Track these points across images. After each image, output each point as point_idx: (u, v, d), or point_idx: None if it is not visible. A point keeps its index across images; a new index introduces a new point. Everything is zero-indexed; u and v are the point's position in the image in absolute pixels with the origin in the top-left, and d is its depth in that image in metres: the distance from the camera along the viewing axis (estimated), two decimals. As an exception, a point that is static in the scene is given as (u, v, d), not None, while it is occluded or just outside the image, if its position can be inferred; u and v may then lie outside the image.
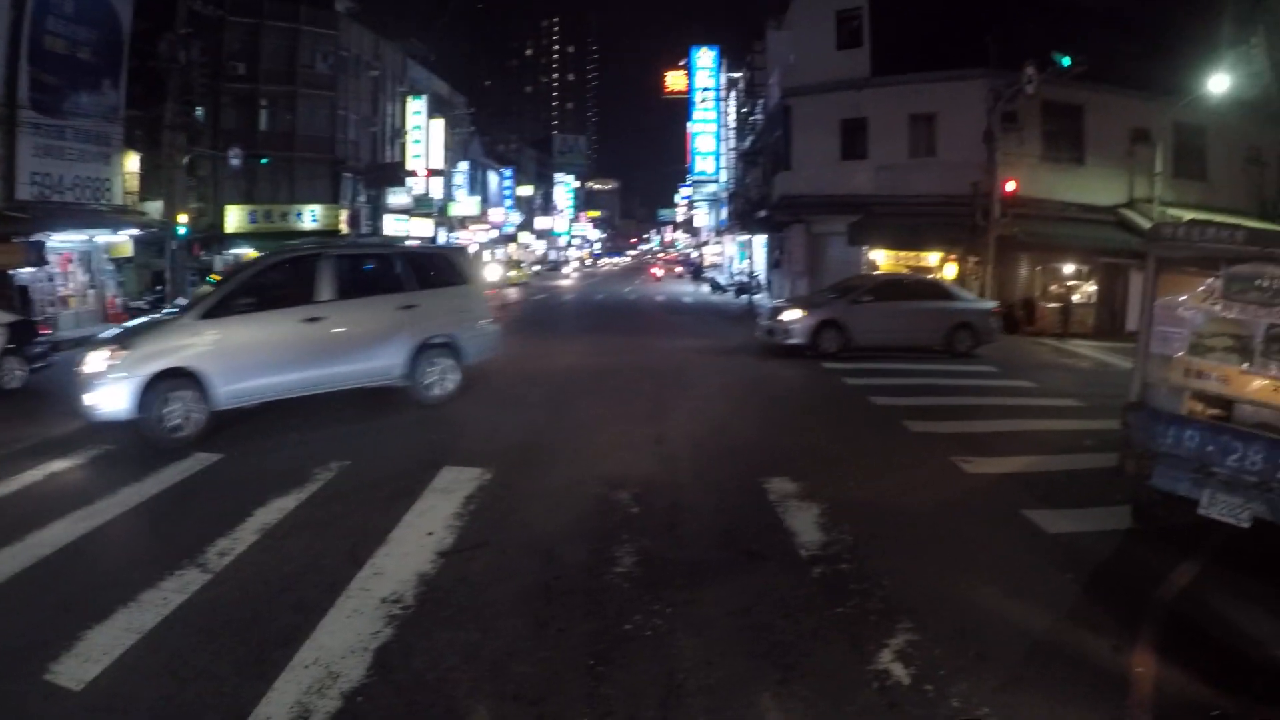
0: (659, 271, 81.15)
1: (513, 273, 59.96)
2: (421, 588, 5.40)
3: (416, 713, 4.02)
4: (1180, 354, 6.29)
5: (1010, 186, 24.07)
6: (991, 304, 19.95)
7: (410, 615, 5.00)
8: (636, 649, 4.59)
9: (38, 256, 23.91)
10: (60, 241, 26.82)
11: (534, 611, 5.06)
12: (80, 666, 4.48)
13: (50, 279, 26.99)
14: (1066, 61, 22.60)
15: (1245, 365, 5.88)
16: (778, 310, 18.63)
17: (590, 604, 5.17)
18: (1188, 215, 21.68)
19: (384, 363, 11.06)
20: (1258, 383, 5.95)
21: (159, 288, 31.01)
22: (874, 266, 27.58)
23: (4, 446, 9.94)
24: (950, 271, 26.25)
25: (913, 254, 27.18)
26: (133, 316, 26.57)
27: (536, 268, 66.80)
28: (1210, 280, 6.07)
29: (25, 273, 24.38)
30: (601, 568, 5.74)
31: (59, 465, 8.87)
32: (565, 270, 77.09)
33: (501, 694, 4.17)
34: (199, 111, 32.85)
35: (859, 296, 17.91)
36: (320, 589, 5.39)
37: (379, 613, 5.03)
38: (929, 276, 25.10)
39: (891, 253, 27.47)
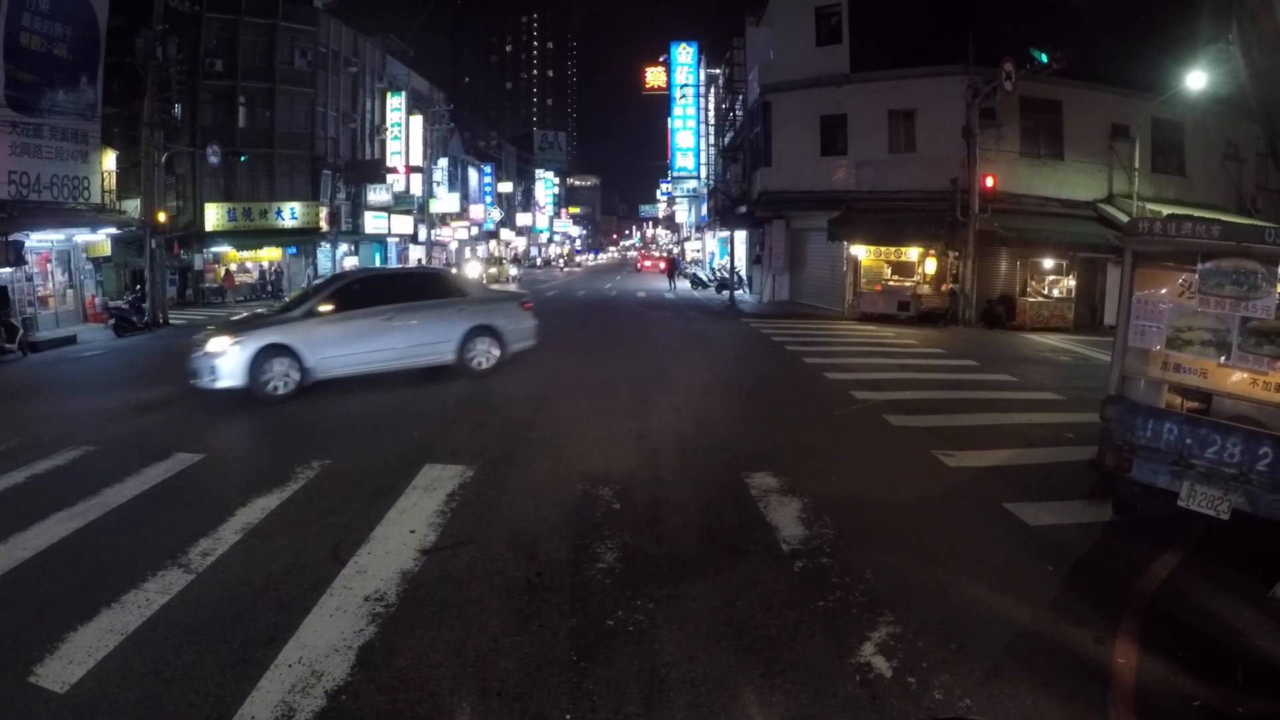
0: (649, 263, 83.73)
1: (493, 269, 59.68)
2: (404, 585, 5.40)
3: (400, 710, 4.02)
4: (1158, 348, 6.34)
5: (989, 182, 24.26)
6: (521, 296, 16.20)
7: (393, 613, 5.00)
8: (619, 644, 4.60)
9: (16, 256, 23.72)
10: (38, 241, 26.63)
11: (517, 608, 5.06)
12: (64, 668, 4.47)
13: (29, 279, 26.80)
14: (1044, 58, 22.78)
15: (1222, 359, 5.93)
16: (207, 338, 12.64)
17: (573, 600, 5.18)
18: (1166, 210, 21.92)
19: None
20: (1235, 376, 6.02)
21: (139, 287, 30.90)
22: (855, 262, 27.68)
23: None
24: (930, 266, 26.40)
25: (893, 249, 27.29)
26: (112, 316, 26.57)
27: (514, 270, 62.23)
28: (1187, 275, 6.12)
29: (4, 272, 24.21)
30: (584, 564, 5.75)
31: (40, 466, 8.81)
32: (514, 273, 65.47)
33: (485, 690, 4.18)
34: (177, 109, 32.61)
35: (316, 306, 12.95)
36: (303, 588, 5.39)
37: (362, 611, 5.03)
38: (430, 267, 23.18)
39: (872, 248, 27.58)
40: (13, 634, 4.92)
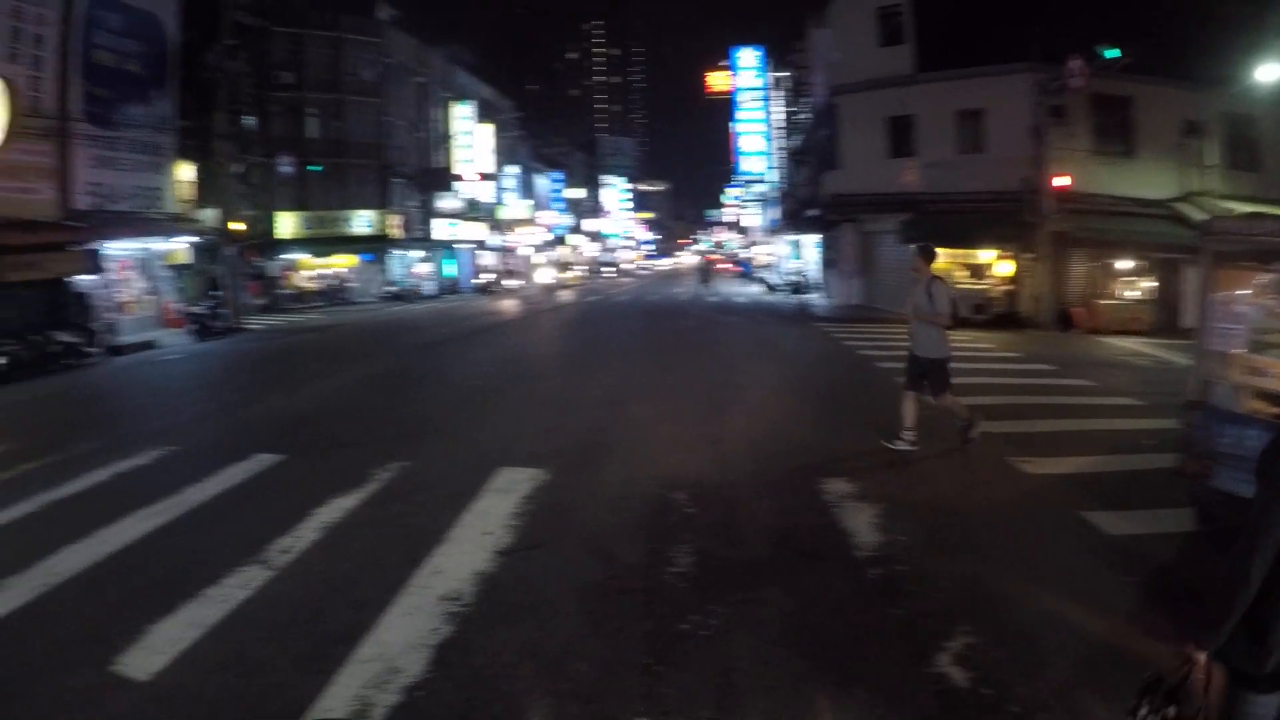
0: (723, 267, 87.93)
1: (565, 274, 60.25)
2: (480, 586, 5.47)
3: (475, 708, 4.07)
4: (1239, 351, 6.17)
5: (1061, 181, 23.72)
6: None
7: (469, 613, 5.07)
8: (693, 648, 4.59)
9: (95, 264, 24.55)
10: (118, 249, 27.50)
11: (591, 610, 5.09)
12: (145, 659, 4.64)
13: (108, 286, 27.70)
14: (1112, 53, 22.17)
15: (1308, 361, 5.75)
16: None
17: (647, 603, 5.18)
18: (1243, 208, 21.23)
19: None
20: (1322, 380, 5.83)
21: (215, 293, 31.76)
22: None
23: (72, 447, 10.28)
24: (1004, 269, 25.87)
25: (965, 251, 26.82)
26: (191, 321, 27.40)
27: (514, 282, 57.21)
28: (1269, 275, 5.95)
29: (85, 280, 25.06)
30: (658, 567, 5.75)
31: (125, 466, 9.12)
32: (544, 279, 59.05)
33: (559, 691, 4.20)
34: (248, 120, 33.46)
35: None
36: (380, 587, 5.49)
37: (438, 610, 5.10)
38: None
39: (944, 250, 27.10)
40: (97, 625, 5.13)
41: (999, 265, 26.10)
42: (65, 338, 21.24)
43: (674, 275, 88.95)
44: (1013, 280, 25.61)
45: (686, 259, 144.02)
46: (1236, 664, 2.53)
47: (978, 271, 26.78)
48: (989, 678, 4.26)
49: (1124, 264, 24.83)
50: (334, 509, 7.16)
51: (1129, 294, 24.59)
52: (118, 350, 23.23)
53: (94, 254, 24.40)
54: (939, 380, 9.10)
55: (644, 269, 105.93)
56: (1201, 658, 2.56)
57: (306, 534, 6.54)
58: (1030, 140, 24.24)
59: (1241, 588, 2.44)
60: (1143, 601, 5.28)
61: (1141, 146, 25.91)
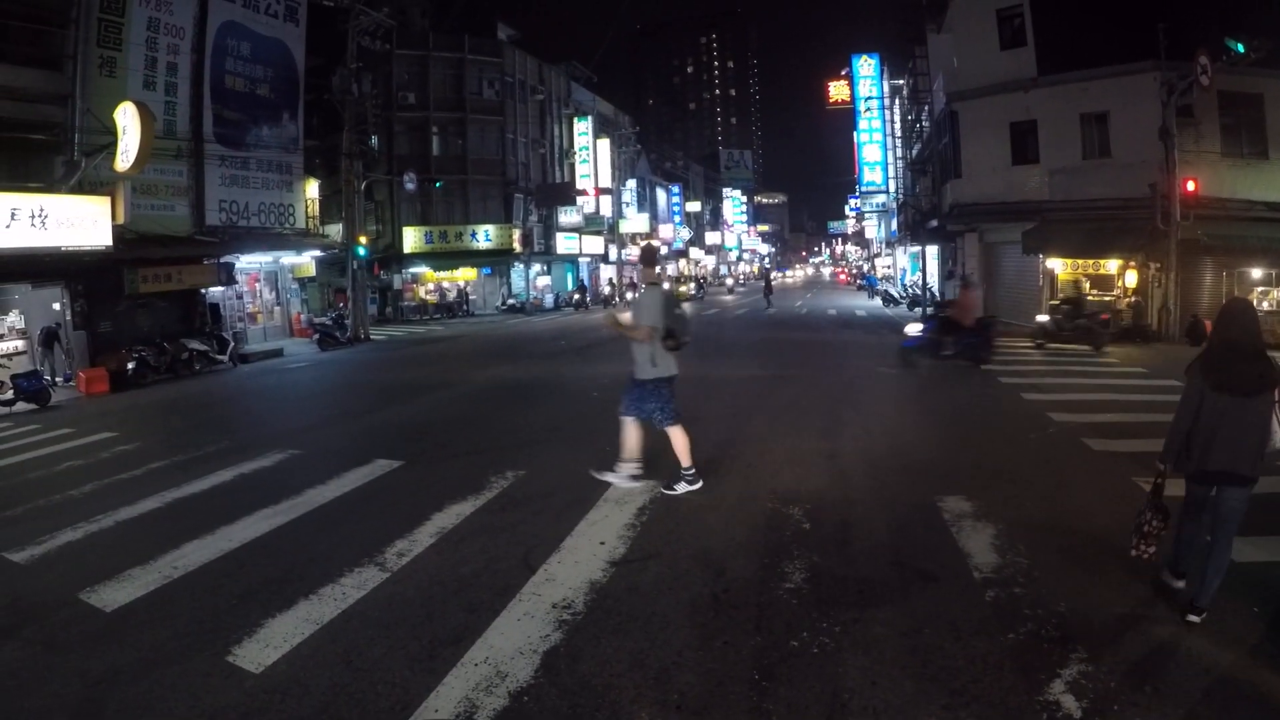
0: (844, 277, 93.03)
1: (682, 289, 60.51)
2: (592, 595, 5.51)
3: (580, 715, 4.10)
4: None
5: (1190, 186, 22.58)
6: None
7: (580, 621, 5.11)
8: (802, 665, 4.53)
9: (227, 277, 25.89)
10: (247, 263, 28.95)
11: (702, 623, 5.06)
12: (260, 651, 4.86)
13: (239, 297, 29.20)
14: (1241, 48, 21.04)
15: None
16: None
17: (758, 618, 5.12)
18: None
19: None
20: None
21: (341, 304, 33.01)
22: (1051, 276, 26.33)
23: (199, 448, 10.82)
24: (1131, 279, 24.83)
25: (1090, 261, 25.78)
26: (316, 332, 28.58)
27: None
28: None
29: (216, 291, 26.45)
30: (771, 582, 5.69)
31: (248, 467, 9.54)
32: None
33: (665, 702, 4.19)
34: (374, 139, 34.64)
35: None
36: (493, 592, 5.60)
37: (549, 617, 5.17)
38: None
39: (1068, 261, 26.14)
40: (215, 617, 5.39)
41: (1125, 276, 25.00)
42: (196, 345, 22.43)
43: (791, 288, 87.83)
44: (1139, 292, 24.51)
45: (805, 271, 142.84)
46: (1180, 471, 5.19)
47: (1103, 283, 25.73)
48: (1103, 709, 4.07)
49: (1257, 273, 23.46)
50: (450, 514, 7.34)
51: (1264, 305, 23.19)
52: (245, 358, 24.40)
53: (225, 267, 25.72)
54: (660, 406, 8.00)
55: (745, 283, 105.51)
56: (1162, 466, 5.21)
57: (423, 538, 6.73)
58: (1158, 143, 23.11)
59: (1177, 430, 5.07)
60: (1270, 634, 4.94)
61: (1274, 146, 24.33)
